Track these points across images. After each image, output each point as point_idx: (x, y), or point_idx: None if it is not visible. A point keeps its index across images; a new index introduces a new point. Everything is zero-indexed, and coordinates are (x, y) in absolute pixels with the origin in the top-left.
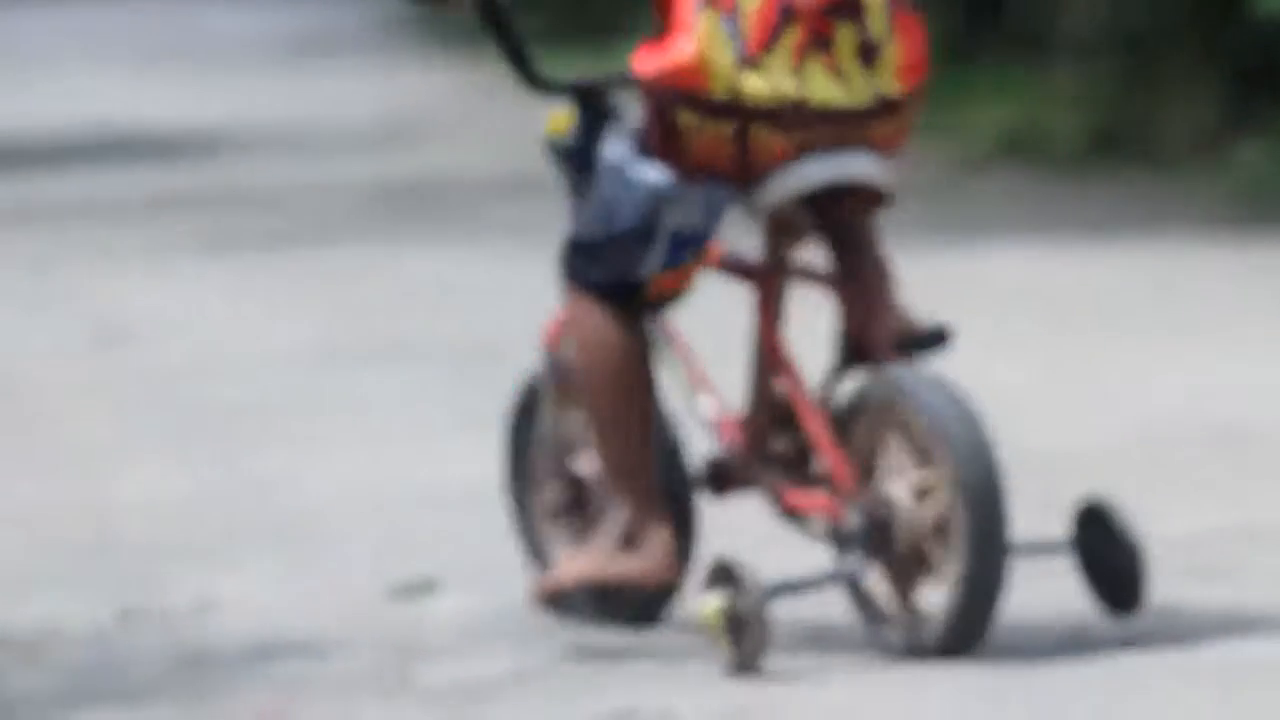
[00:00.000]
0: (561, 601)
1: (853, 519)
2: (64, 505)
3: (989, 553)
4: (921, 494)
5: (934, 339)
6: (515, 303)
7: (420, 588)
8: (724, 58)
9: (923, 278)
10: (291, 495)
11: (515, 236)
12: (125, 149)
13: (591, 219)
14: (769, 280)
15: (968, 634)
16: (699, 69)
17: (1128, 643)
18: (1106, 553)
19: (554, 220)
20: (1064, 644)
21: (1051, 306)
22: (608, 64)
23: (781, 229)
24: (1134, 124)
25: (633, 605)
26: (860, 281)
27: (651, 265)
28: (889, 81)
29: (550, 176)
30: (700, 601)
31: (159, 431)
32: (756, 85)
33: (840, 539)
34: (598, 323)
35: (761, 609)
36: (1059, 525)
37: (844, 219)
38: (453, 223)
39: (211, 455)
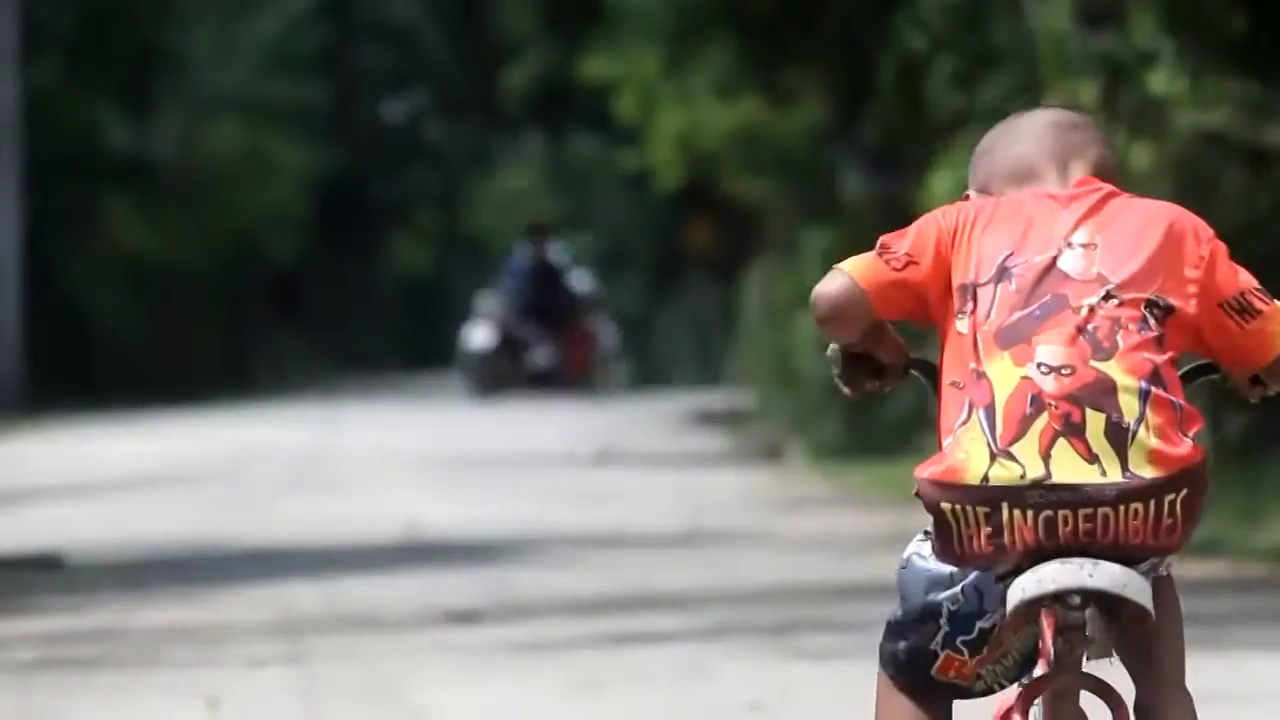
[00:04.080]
0: None
1: None
2: None
3: None
4: None
5: None
6: (832, 716)
7: None
8: (980, 450)
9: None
10: None
11: (825, 659)
12: (433, 553)
13: (897, 606)
14: (1033, 686)
15: None
16: (958, 467)
17: None
18: None
19: (866, 637)
20: None
21: None
22: (893, 475)
23: (1061, 634)
24: None
25: None
26: None
27: (936, 644)
28: (1142, 464)
29: (871, 586)
30: None
31: None
32: (1008, 468)
33: None
34: (895, 702)
35: None
36: None
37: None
38: (764, 632)
39: None
